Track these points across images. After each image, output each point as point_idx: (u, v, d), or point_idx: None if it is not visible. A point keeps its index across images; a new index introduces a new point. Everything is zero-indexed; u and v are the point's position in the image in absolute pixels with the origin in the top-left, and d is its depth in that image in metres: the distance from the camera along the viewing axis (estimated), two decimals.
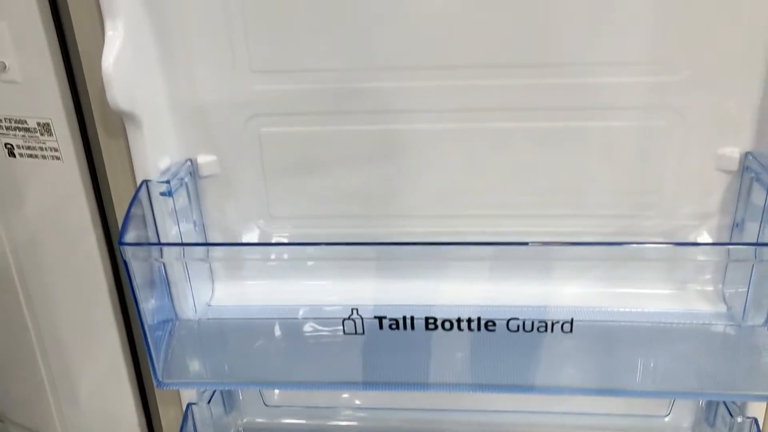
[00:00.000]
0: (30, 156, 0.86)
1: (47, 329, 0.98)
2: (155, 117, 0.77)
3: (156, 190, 0.77)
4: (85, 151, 0.85)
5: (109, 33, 0.71)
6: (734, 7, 0.71)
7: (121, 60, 0.71)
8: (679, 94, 0.75)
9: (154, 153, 0.77)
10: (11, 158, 0.87)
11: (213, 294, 0.88)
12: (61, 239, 0.91)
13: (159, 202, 0.78)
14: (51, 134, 0.84)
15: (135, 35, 0.73)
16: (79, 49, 0.76)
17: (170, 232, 0.79)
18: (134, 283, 0.71)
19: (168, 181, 0.77)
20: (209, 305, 0.86)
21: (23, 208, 0.90)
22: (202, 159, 0.82)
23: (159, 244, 0.75)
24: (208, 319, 0.84)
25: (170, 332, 0.81)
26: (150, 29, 0.75)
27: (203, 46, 0.77)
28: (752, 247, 0.71)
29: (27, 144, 0.85)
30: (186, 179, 0.81)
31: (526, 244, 0.68)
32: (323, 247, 0.73)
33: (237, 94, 0.79)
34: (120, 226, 0.78)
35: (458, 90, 0.77)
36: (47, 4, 0.77)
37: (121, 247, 0.69)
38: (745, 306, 0.78)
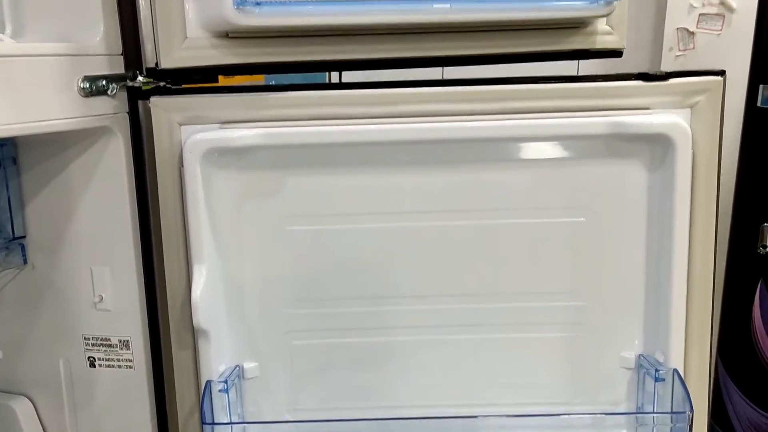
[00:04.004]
0: (108, 366, 1.12)
1: None
2: (218, 333, 1.05)
3: (216, 388, 1.04)
4: (153, 361, 1.11)
5: (196, 273, 1.01)
6: (618, 259, 1.07)
7: (203, 292, 1.01)
8: (589, 314, 1.09)
9: (216, 360, 1.05)
10: (92, 368, 1.12)
11: None
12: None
13: (217, 398, 1.04)
14: (128, 348, 1.10)
15: (211, 275, 1.03)
16: (167, 285, 1.06)
17: (223, 421, 1.05)
18: None
19: (226, 381, 1.04)
20: None
21: (92, 406, 1.14)
22: (247, 365, 1.10)
23: (231, 423, 1.00)
24: None
25: None
26: (220, 272, 1.06)
27: (253, 280, 1.08)
28: (651, 415, 1.02)
29: (107, 357, 1.11)
30: (235, 381, 1.08)
31: (494, 416, 0.99)
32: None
33: (277, 317, 1.09)
34: (179, 420, 1.06)
35: (433, 313, 1.09)
36: (141, 254, 1.08)
37: (204, 426, 0.95)
38: None
